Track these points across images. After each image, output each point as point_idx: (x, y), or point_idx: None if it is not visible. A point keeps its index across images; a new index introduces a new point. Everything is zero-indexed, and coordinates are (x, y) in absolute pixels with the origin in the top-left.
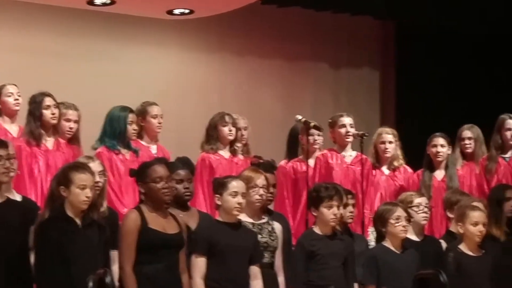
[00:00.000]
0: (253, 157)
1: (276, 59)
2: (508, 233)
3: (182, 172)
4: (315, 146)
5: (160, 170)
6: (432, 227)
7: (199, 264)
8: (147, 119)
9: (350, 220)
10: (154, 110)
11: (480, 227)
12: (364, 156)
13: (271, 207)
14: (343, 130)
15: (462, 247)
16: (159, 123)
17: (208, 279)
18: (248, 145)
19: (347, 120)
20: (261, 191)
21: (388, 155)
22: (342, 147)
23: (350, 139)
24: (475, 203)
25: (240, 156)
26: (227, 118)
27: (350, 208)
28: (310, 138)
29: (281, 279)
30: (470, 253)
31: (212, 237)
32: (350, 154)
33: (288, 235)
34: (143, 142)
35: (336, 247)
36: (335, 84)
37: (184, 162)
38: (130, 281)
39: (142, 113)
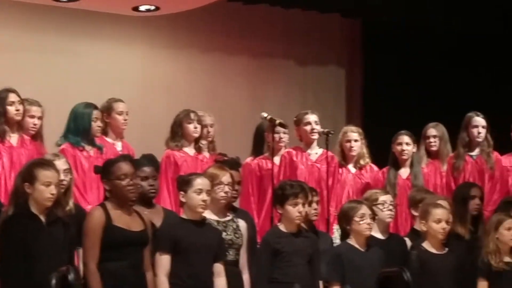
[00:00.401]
0: (218, 155)
1: (243, 56)
2: (473, 231)
3: (147, 169)
4: (281, 144)
5: (124, 167)
6: (397, 225)
7: (164, 261)
8: (113, 115)
9: (314, 218)
10: (119, 106)
11: (443, 225)
12: (330, 154)
13: (236, 204)
14: (308, 128)
15: (426, 245)
16: (125, 120)
17: (172, 276)
18: (214, 142)
19: (312, 117)
20: (226, 189)
21: (353, 153)
22: (308, 144)
23: (316, 136)
24: (438, 201)
25: (205, 153)
26: (192, 116)
27: (314, 206)
28: (276, 135)
29: (246, 276)
30: (434, 251)
31: (177, 234)
32: (315, 152)
33: (253, 232)
34: (108, 139)
35: (301, 245)
36: (301, 81)
37: (149, 159)
38: (94, 278)
39: (107, 109)
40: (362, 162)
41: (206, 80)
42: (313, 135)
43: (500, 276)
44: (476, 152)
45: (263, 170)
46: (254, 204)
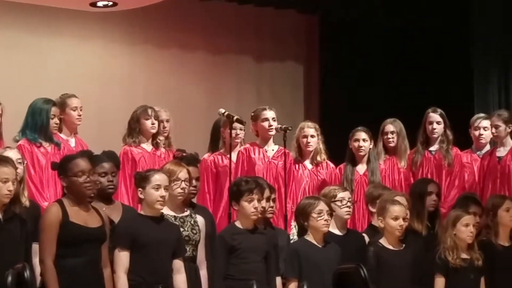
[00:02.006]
0: (176, 150)
1: (200, 52)
2: (430, 227)
3: (106, 165)
4: (237, 140)
5: (82, 164)
6: (355, 221)
7: (122, 257)
8: (67, 111)
9: (270, 215)
10: (73, 102)
11: (401, 221)
12: (286, 150)
13: (195, 200)
14: (265, 124)
15: (383, 241)
16: (79, 116)
17: (131, 272)
18: (170, 138)
19: (269, 113)
20: (183, 185)
21: (310, 149)
22: (265, 141)
23: (273, 132)
24: (396, 198)
25: (163, 149)
26: (149, 111)
27: (270, 203)
28: (233, 132)
29: (203, 272)
30: (391, 247)
31: (135, 230)
32: (272, 148)
33: (212, 228)
34: (62, 135)
35: (257, 241)
36: (259, 77)
37: (110, 156)
38: (51, 275)
39: (61, 105)
40: (318, 158)
41: (163, 75)
42: (270, 132)
43: (457, 272)
44: (435, 148)
45: (219, 166)
46: (210, 201)
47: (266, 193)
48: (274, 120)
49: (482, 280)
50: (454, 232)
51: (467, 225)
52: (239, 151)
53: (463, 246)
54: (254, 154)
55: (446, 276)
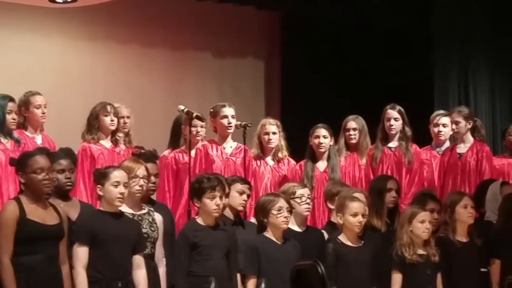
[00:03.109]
0: (135, 148)
1: (160, 48)
2: (389, 224)
3: (64, 162)
4: (198, 137)
5: (41, 160)
6: (314, 218)
7: (81, 253)
8: (31, 109)
9: (241, 208)
10: (37, 100)
11: (360, 218)
12: (245, 147)
13: (154, 197)
14: (224, 121)
15: (342, 237)
16: (43, 113)
17: (91, 269)
18: (130, 135)
19: (229, 111)
20: (142, 182)
21: (271, 146)
22: (223, 138)
23: (231, 130)
24: (355, 194)
25: (122, 146)
26: (109, 108)
27: (244, 196)
28: (193, 128)
29: (161, 270)
30: (350, 244)
31: (95, 226)
32: (230, 145)
33: (171, 225)
34: (27, 133)
35: (219, 238)
36: (219, 74)
37: (67, 152)
38: (8, 273)
39: (25, 103)
40: (280, 155)
41: (124, 72)
42: (229, 129)
43: (413, 268)
44: (394, 144)
45: (179, 163)
46: (170, 198)
47: (240, 188)
48: (233, 117)
49: (439, 276)
50: (410, 228)
51: (423, 221)
52: (197, 148)
53: (419, 242)
54: (212, 151)
55: (403, 272)
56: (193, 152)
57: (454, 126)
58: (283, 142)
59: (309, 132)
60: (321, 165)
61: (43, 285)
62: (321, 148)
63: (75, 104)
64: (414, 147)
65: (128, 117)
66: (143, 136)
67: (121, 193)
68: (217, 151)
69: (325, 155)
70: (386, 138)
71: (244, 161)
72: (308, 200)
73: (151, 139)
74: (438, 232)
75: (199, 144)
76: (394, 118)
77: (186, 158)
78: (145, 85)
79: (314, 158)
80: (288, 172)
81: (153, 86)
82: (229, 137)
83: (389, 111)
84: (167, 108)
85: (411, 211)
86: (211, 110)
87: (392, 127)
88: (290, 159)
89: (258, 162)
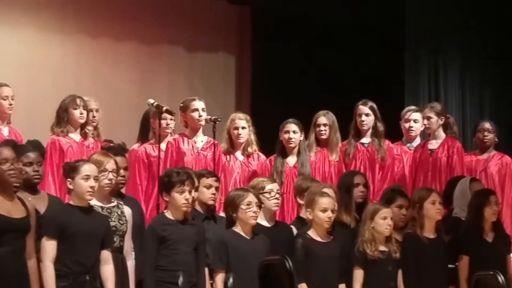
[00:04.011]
0: (104, 141)
1: (131, 42)
2: (358, 219)
3: (31, 155)
4: (167, 131)
5: (5, 152)
6: (284, 213)
7: (49, 247)
8: None
9: (211, 202)
10: (4, 91)
11: (329, 213)
12: (215, 142)
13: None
14: (195, 115)
15: (311, 233)
16: (10, 105)
17: (59, 262)
18: (99, 128)
19: (199, 104)
20: (111, 175)
21: (241, 140)
22: (194, 131)
23: (202, 123)
24: (324, 190)
25: (91, 139)
26: (78, 101)
27: (212, 190)
28: (163, 121)
29: (130, 263)
30: (319, 239)
31: (63, 220)
32: (201, 140)
33: (141, 219)
34: None
35: (187, 232)
36: (190, 68)
37: (35, 145)
38: None
39: None
40: (249, 149)
41: (94, 65)
42: (200, 122)
43: (375, 265)
44: (367, 140)
45: (151, 156)
46: (141, 191)
47: (210, 181)
48: (204, 111)
49: (400, 272)
50: (372, 225)
51: (385, 218)
52: (168, 141)
53: (381, 238)
54: (183, 145)
55: (365, 268)
56: (163, 146)
57: (426, 122)
58: (253, 137)
59: (279, 127)
60: (291, 160)
61: (8, 279)
62: (291, 143)
63: (44, 96)
64: (387, 143)
65: (97, 110)
66: (113, 130)
67: (91, 187)
68: (188, 145)
69: (295, 150)
70: (359, 134)
71: (214, 156)
72: (277, 195)
73: (121, 133)
74: (406, 228)
75: (170, 138)
76: (366, 113)
77: (156, 152)
78: (115, 79)
79: (284, 153)
80: (258, 167)
81: (123, 80)
82: (200, 131)
83: (361, 107)
84: (138, 102)
85: (374, 207)
86: (181, 104)
87: (364, 122)
88: (260, 154)
89: (228, 157)
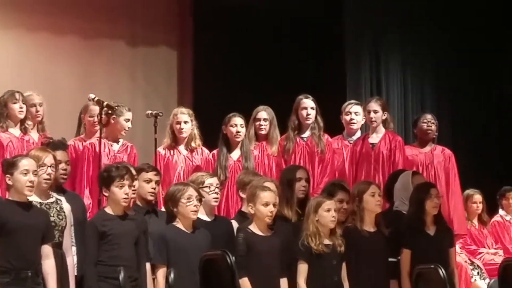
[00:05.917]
0: (43, 137)
1: (72, 36)
2: (300, 213)
3: None
4: (96, 128)
5: None
6: (228, 207)
7: None
8: None
9: (151, 198)
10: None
11: (271, 208)
12: (131, 145)
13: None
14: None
15: (252, 227)
16: None
17: (0, 258)
18: (43, 122)
19: (128, 115)
20: (49, 170)
21: (183, 135)
22: (114, 135)
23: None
24: (266, 184)
25: (33, 134)
26: (17, 96)
27: (152, 184)
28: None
29: (69, 259)
30: (260, 233)
31: (3, 216)
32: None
33: (83, 215)
34: None
35: (128, 227)
36: (132, 62)
37: None
38: None
39: None
40: (193, 144)
41: (35, 60)
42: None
43: (319, 258)
44: (306, 134)
45: (78, 152)
46: (82, 186)
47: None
48: (128, 121)
49: (344, 265)
50: (316, 218)
51: (328, 210)
52: (84, 146)
53: (326, 232)
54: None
55: (309, 262)
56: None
57: (372, 115)
58: (196, 131)
59: (221, 121)
60: (235, 154)
61: None
62: (237, 137)
63: None
64: (326, 137)
65: (40, 104)
66: (55, 125)
67: (30, 181)
68: (104, 149)
69: (239, 144)
70: (300, 128)
71: (134, 159)
72: (216, 190)
73: (63, 128)
74: (346, 222)
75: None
76: (311, 107)
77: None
78: (56, 74)
79: (229, 147)
80: (202, 162)
81: (64, 75)
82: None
83: (305, 100)
84: (79, 96)
85: (317, 200)
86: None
87: (309, 116)
88: (204, 149)
89: (172, 151)
